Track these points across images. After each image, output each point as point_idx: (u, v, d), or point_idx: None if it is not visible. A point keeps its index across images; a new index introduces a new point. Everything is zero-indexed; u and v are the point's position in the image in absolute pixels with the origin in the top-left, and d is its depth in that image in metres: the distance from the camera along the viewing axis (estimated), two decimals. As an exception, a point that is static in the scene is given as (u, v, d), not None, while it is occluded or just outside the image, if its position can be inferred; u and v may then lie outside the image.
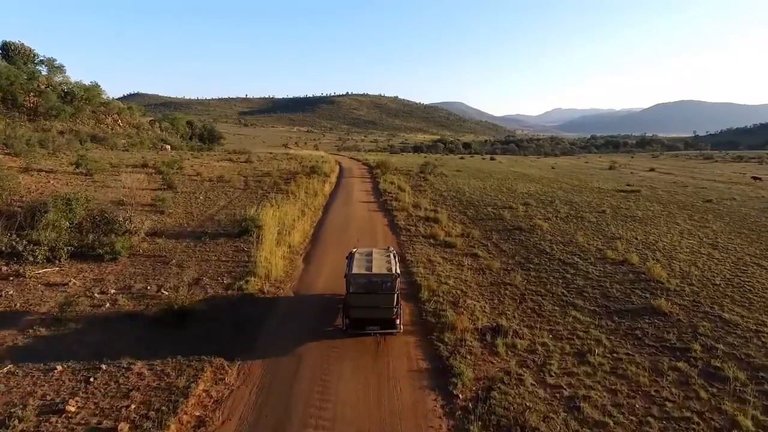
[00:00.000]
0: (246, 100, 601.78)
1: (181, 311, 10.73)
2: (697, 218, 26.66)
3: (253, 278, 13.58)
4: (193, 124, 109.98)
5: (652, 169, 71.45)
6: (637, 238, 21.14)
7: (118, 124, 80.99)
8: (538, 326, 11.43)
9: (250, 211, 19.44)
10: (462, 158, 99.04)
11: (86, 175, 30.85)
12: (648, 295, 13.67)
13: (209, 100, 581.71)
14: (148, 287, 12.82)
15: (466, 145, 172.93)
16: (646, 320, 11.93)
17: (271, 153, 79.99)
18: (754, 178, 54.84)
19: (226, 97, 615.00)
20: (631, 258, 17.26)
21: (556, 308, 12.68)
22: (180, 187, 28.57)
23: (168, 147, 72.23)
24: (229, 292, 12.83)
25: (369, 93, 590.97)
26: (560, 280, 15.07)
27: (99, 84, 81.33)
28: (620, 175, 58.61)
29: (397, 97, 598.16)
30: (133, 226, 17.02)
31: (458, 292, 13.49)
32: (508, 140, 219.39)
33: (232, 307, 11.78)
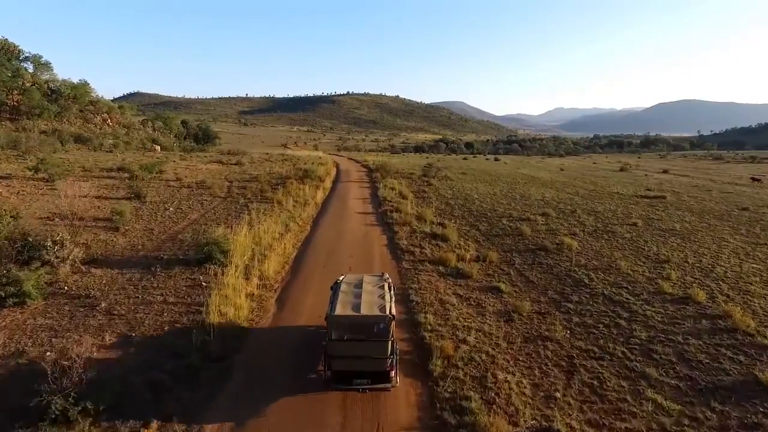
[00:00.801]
0: (247, 99, 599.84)
1: (68, 406, 7.03)
2: (744, 232, 22.95)
3: (200, 335, 9.86)
4: (187, 123, 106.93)
5: (665, 171, 67.77)
6: (687, 262, 17.42)
7: (108, 124, 77.58)
8: (607, 424, 7.72)
9: (217, 230, 15.70)
10: (465, 159, 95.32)
11: (47, 181, 27.19)
12: (743, 358, 9.95)
13: (210, 99, 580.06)
14: (48, 352, 9.10)
15: (468, 145, 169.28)
16: (762, 409, 8.21)
17: (266, 154, 76.44)
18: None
19: (227, 96, 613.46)
20: (695, 293, 13.52)
21: (622, 384, 8.94)
22: (150, 196, 24.85)
23: (157, 147, 68.81)
24: (160, 364, 9.05)
25: (370, 92, 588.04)
26: (614, 330, 11.34)
27: (88, 82, 78.07)
28: (634, 177, 54.83)
29: (398, 96, 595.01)
30: (62, 253, 13.33)
31: (484, 357, 9.71)
32: (511, 140, 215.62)
33: (156, 393, 8.01)
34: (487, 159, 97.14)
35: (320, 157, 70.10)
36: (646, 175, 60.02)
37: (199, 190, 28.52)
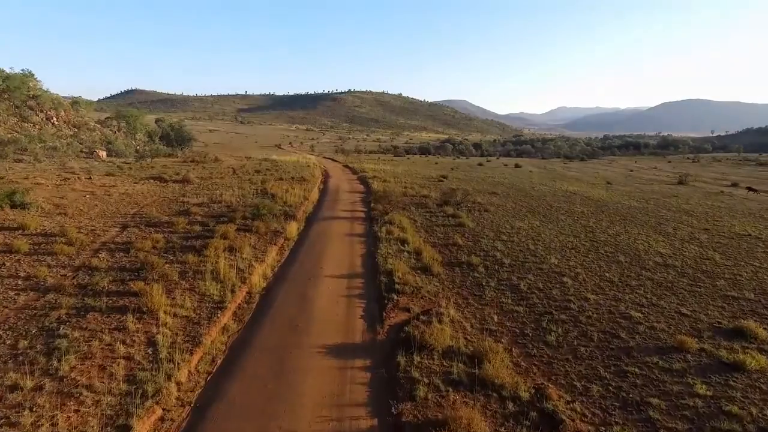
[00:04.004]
0: (246, 97, 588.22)
1: None
2: None
3: None
4: (162, 123, 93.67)
5: (734, 184, 53.89)
6: None
7: (53, 123, 63.76)
8: None
9: None
10: (481, 165, 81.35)
11: None
12: None
13: (208, 96, 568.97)
14: None
15: (476, 146, 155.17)
16: None
17: (243, 159, 62.72)
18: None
19: (225, 93, 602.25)
20: None
21: None
22: None
23: (103, 153, 55.09)
24: None
25: (372, 90, 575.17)
26: None
27: (32, 72, 64.53)
28: (714, 196, 41.01)
29: (401, 94, 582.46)
30: None
31: None
32: (521, 141, 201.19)
33: None
34: (506, 165, 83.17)
35: (309, 166, 56.23)
36: (722, 192, 46.04)
37: (30, 257, 14.64)
